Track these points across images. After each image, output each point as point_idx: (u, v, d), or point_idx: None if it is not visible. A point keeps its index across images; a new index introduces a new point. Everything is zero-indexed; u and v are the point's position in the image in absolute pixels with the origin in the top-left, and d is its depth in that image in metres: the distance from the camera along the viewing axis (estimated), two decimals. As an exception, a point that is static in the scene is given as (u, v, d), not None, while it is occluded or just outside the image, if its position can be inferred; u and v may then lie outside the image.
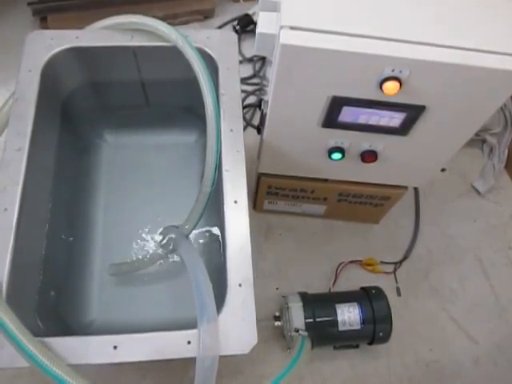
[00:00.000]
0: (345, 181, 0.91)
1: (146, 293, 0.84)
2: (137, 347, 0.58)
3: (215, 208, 0.78)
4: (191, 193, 0.92)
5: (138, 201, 0.93)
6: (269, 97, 0.69)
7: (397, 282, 1.07)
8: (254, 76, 1.28)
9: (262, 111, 0.74)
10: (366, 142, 0.76)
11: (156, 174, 0.96)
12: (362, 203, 1.00)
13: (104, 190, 0.92)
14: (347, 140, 0.76)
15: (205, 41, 0.80)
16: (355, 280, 1.05)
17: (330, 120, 0.70)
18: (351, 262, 1.06)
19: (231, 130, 0.73)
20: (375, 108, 0.67)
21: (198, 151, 0.98)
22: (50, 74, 0.77)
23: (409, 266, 1.09)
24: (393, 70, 0.60)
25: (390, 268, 1.08)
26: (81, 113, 0.90)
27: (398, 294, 1.06)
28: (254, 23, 1.34)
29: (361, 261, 1.07)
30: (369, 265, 1.07)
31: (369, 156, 0.78)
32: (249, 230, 0.66)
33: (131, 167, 0.96)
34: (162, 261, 0.85)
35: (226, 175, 0.69)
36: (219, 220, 0.79)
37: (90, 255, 0.87)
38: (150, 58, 0.82)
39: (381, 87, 0.62)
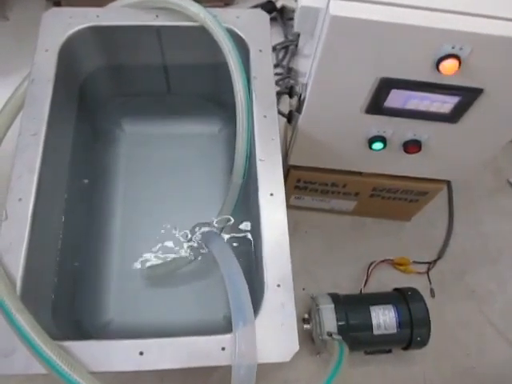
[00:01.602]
0: (380, 174, 0.85)
1: (168, 292, 0.77)
2: (166, 353, 0.52)
3: (244, 202, 0.73)
4: (214, 186, 0.87)
5: (158, 195, 0.87)
6: (309, 79, 0.63)
7: (430, 283, 1.00)
8: (277, 65, 1.22)
9: (300, 96, 0.67)
10: (411, 130, 0.70)
11: (177, 167, 0.90)
12: (395, 199, 0.93)
13: (122, 182, 0.86)
14: (390, 128, 0.69)
15: (234, 21, 0.74)
16: (386, 280, 0.99)
17: (376, 105, 0.64)
18: (382, 261, 0.99)
19: (265, 116, 0.67)
20: (427, 91, 0.61)
21: (222, 142, 0.92)
22: (68, 55, 0.71)
23: (443, 265, 1.03)
24: (453, 47, 0.53)
25: (423, 268, 1.01)
26: (98, 99, 0.85)
27: (432, 295, 0.99)
28: (277, 10, 1.28)
29: (392, 260, 1.00)
30: (400, 264, 1.00)
31: (412, 146, 0.72)
32: (287, 225, 0.60)
33: (150, 159, 0.90)
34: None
35: (260, 165, 0.63)
36: (249, 215, 0.73)
37: (108, 251, 0.81)
38: (175, 39, 0.76)
39: (437, 67, 0.56)
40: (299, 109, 0.68)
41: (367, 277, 0.97)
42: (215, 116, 0.92)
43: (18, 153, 0.62)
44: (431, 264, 1.02)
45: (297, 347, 0.54)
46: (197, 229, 0.75)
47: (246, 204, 0.72)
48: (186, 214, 0.83)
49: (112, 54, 0.78)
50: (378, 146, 0.71)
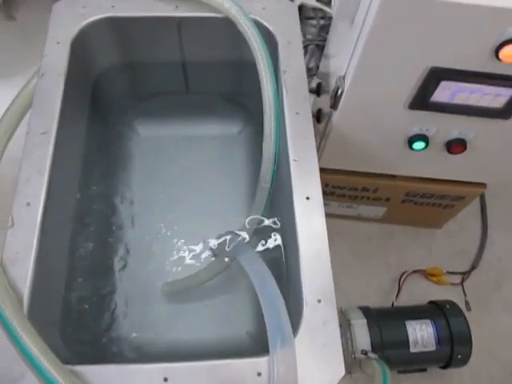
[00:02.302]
0: (415, 177, 0.79)
1: (187, 308, 0.70)
2: (193, 380, 0.46)
3: (272, 207, 0.66)
4: (236, 191, 0.80)
5: (175, 201, 0.80)
6: (348, 71, 0.57)
7: (465, 295, 0.93)
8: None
9: (336, 91, 0.61)
10: (457, 128, 0.63)
11: (194, 171, 0.84)
12: (429, 205, 0.87)
13: (136, 187, 0.80)
14: (434, 126, 0.63)
15: (260, 12, 0.68)
16: (419, 292, 0.92)
17: (421, 99, 0.58)
18: (414, 271, 0.93)
19: (297, 113, 0.60)
20: (481, 82, 0.54)
21: (242, 144, 0.86)
22: (81, 48, 0.66)
23: (478, 276, 0.96)
24: (517, 31, 0.47)
25: (457, 279, 0.95)
26: (112, 98, 0.79)
27: (468, 308, 0.93)
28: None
29: (424, 271, 0.93)
30: (433, 275, 0.94)
31: (457, 146, 0.65)
32: (326, 232, 0.54)
33: (166, 162, 0.83)
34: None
35: (294, 166, 0.57)
36: (280, 222, 0.66)
37: (121, 263, 0.74)
38: (196, 32, 0.70)
39: (496, 53, 0.50)
40: (335, 105, 0.62)
41: (399, 288, 0.90)
42: (235, 117, 0.86)
43: (25, 153, 0.56)
44: (465, 274, 0.95)
45: (342, 371, 0.48)
46: (220, 239, 0.69)
47: (275, 210, 0.65)
48: (206, 223, 0.77)
49: (128, 49, 0.72)
50: (419, 145, 0.65)
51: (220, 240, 0.69)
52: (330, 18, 1.28)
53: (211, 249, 0.70)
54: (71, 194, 0.63)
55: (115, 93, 0.79)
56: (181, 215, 0.77)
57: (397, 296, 0.89)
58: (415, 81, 0.55)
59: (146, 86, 0.80)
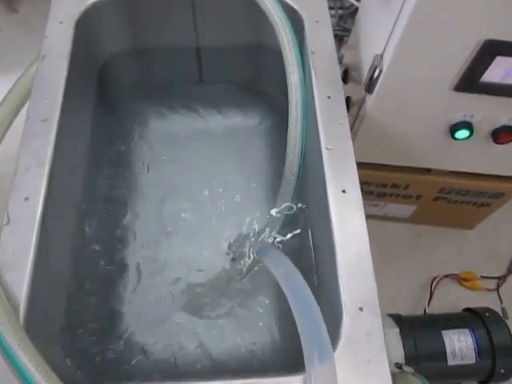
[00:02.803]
0: (452, 172, 0.72)
1: (203, 316, 0.64)
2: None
3: (300, 202, 0.60)
4: (255, 187, 0.74)
5: (188, 198, 0.73)
6: (387, 50, 0.50)
7: (501, 302, 0.86)
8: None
9: (373, 73, 0.55)
10: (505, 114, 0.56)
11: (209, 166, 0.77)
12: (463, 203, 0.80)
13: (146, 182, 0.73)
14: (481, 112, 0.56)
15: (283, -12, 0.62)
16: (451, 298, 0.85)
17: (470, 79, 0.51)
18: (446, 276, 0.85)
19: (329, 97, 0.54)
20: (542, 59, 0.47)
21: (262, 136, 0.79)
22: (87, 29, 0.60)
23: (515, 281, 0.88)
24: None
25: (493, 284, 0.87)
26: (120, 86, 0.73)
27: (505, 316, 0.85)
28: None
29: (457, 275, 0.86)
30: (466, 280, 0.86)
31: (504, 134, 0.58)
32: (366, 229, 0.47)
33: (179, 157, 0.77)
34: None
35: (327, 156, 0.50)
36: (309, 218, 0.60)
37: (131, 267, 0.67)
38: (212, 11, 0.64)
39: None
40: (370, 87, 0.56)
41: (431, 294, 0.83)
42: (253, 107, 0.80)
43: (24, 141, 0.49)
44: (501, 279, 0.88)
45: (390, 392, 0.41)
46: (240, 240, 0.62)
47: (303, 204, 0.59)
48: (223, 221, 0.70)
49: (137, 32, 0.66)
50: (462, 134, 0.58)
51: (240, 241, 0.62)
52: (348, 8, 1.22)
53: (231, 249, 0.63)
54: (75, 188, 0.56)
55: (124, 81, 0.73)
56: (195, 213, 0.71)
57: (429, 302, 0.82)
58: (465, 57, 0.48)
59: (156, 74, 0.74)
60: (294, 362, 0.52)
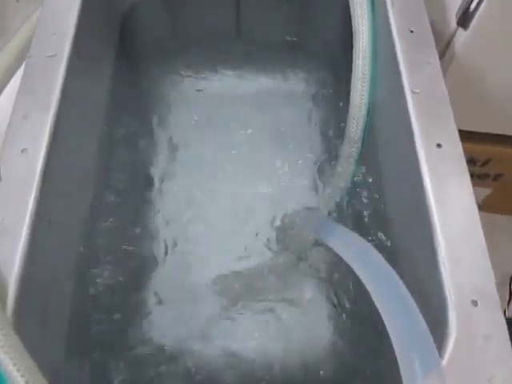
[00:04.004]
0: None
1: (247, 312, 0.51)
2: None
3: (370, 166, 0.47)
4: (301, 163, 0.61)
5: (223, 173, 0.61)
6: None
7: None
8: None
9: (469, 5, 0.42)
10: None
11: (245, 139, 0.65)
12: (552, 185, 0.66)
13: (174, 153, 0.61)
14: None
15: None
16: (532, 300, 0.71)
17: None
18: (526, 273, 0.72)
19: (411, 31, 0.42)
20: None
21: (309, 104, 0.67)
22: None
23: None
24: None
25: None
26: (145, 40, 0.62)
27: None
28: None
29: (539, 272, 0.72)
30: (550, 278, 0.72)
31: None
32: (474, 199, 0.35)
33: (211, 125, 0.64)
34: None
35: (413, 101, 0.38)
36: (384, 188, 0.47)
37: (155, 250, 0.56)
38: None
39: None
40: (464, 21, 0.43)
41: (510, 294, 0.69)
42: (300, 69, 0.68)
43: (24, 82, 0.39)
44: None
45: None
46: (293, 218, 0.50)
47: (373, 169, 0.46)
48: (264, 200, 0.58)
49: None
50: None
51: (291, 219, 0.50)
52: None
53: (280, 231, 0.51)
54: (88, 139, 0.45)
55: (149, 34, 0.62)
56: (232, 190, 0.59)
57: (508, 303, 0.69)
58: None
59: (187, 25, 0.63)
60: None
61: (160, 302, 0.48)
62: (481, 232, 0.34)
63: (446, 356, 0.30)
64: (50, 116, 0.37)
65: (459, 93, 0.49)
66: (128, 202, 0.49)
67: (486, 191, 0.71)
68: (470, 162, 0.63)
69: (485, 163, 0.63)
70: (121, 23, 0.56)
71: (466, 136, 0.54)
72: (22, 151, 0.35)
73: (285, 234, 0.51)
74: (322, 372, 0.46)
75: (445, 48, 0.46)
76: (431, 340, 0.29)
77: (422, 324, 0.29)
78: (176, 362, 0.44)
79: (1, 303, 0.30)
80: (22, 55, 0.48)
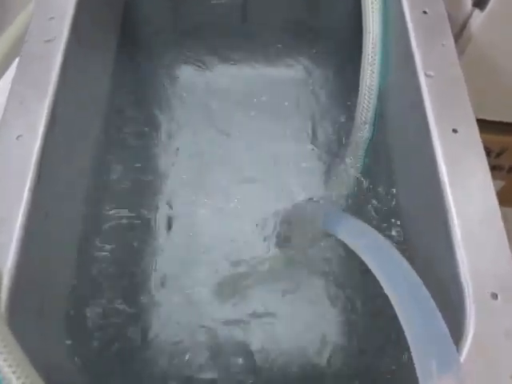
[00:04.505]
0: None
1: (248, 311, 0.50)
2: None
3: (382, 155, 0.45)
4: (307, 152, 0.59)
5: (226, 163, 0.59)
6: None
7: None
8: None
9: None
10: None
11: (250, 124, 0.62)
12: None
13: (177, 143, 0.59)
14: None
15: None
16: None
17: None
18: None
19: (424, 12, 0.40)
20: None
21: (314, 88, 0.65)
22: None
23: None
24: None
25: None
26: (148, 27, 0.60)
27: None
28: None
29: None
30: None
31: None
32: (492, 185, 0.33)
33: (214, 112, 0.62)
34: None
35: (427, 84, 0.36)
36: (398, 177, 0.45)
37: (156, 244, 0.54)
38: None
39: None
40: (480, 2, 0.41)
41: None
42: (305, 54, 0.66)
43: (21, 67, 0.38)
44: None
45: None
46: (294, 211, 0.48)
47: (386, 158, 0.44)
48: (268, 192, 0.56)
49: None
50: None
51: (293, 212, 0.48)
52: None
53: (282, 224, 0.49)
54: (87, 127, 0.43)
55: (152, 21, 0.60)
56: (234, 183, 0.57)
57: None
58: None
59: (191, 11, 0.61)
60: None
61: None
62: (500, 221, 0.32)
63: (464, 353, 0.28)
64: (47, 102, 0.35)
65: (474, 78, 0.47)
66: (130, 189, 0.48)
67: (499, 184, 0.69)
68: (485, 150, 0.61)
69: (499, 154, 0.61)
70: (123, 9, 0.54)
71: (479, 125, 0.52)
72: (17, 138, 0.34)
73: (288, 228, 0.49)
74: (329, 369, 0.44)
75: (460, 30, 0.44)
76: (449, 336, 0.27)
77: (439, 319, 0.28)
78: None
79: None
80: (20, 40, 0.46)
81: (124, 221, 0.46)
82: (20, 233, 0.31)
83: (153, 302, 0.45)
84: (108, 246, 0.44)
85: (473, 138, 0.34)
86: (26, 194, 0.32)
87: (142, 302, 0.44)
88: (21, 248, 0.31)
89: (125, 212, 0.46)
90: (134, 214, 0.48)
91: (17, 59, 0.39)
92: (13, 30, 0.49)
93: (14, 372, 0.24)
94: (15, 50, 0.48)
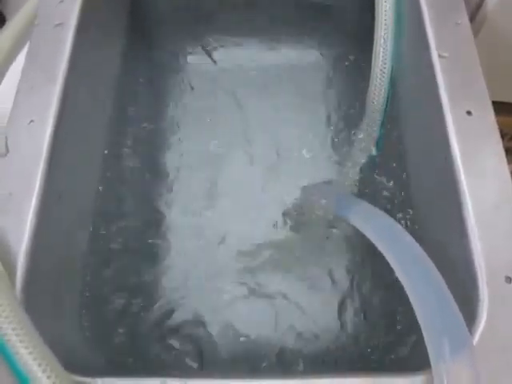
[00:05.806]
0: None
1: (259, 289, 0.50)
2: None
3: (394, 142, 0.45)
4: (319, 139, 0.59)
5: (238, 151, 0.58)
6: None
7: None
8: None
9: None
10: None
11: (261, 111, 0.62)
12: None
13: (187, 131, 0.59)
14: None
15: None
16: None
17: None
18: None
19: (438, -11, 0.39)
20: None
21: (329, 76, 0.64)
22: None
23: None
24: None
25: None
26: (158, 11, 0.59)
27: None
28: None
29: None
30: None
31: None
32: (507, 165, 0.32)
33: (224, 101, 0.62)
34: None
35: (441, 65, 0.36)
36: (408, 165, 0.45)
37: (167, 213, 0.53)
38: None
39: None
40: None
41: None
42: (321, 39, 0.65)
43: (31, 52, 0.38)
44: None
45: None
46: (305, 195, 0.48)
47: (398, 144, 0.44)
48: (280, 179, 0.55)
49: None
50: None
51: (304, 197, 0.48)
52: None
53: (293, 208, 0.49)
54: (98, 111, 0.43)
55: (162, 3, 0.59)
56: (246, 171, 0.57)
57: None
58: None
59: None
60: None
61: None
62: (515, 207, 0.31)
63: (477, 336, 0.28)
64: (58, 86, 0.36)
65: (490, 59, 0.46)
66: (141, 174, 0.48)
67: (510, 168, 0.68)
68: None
69: (513, 137, 0.60)
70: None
71: (494, 107, 0.51)
72: (30, 122, 0.34)
73: (299, 213, 0.49)
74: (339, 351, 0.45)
75: (476, 9, 0.43)
76: (462, 319, 0.27)
77: (452, 302, 0.27)
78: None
79: (7, 277, 0.29)
80: (31, 25, 0.46)
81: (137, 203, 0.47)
82: (34, 215, 0.31)
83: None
84: (121, 230, 0.44)
85: (487, 120, 0.34)
86: (39, 177, 0.32)
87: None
88: (35, 230, 0.31)
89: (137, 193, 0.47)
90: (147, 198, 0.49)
91: (27, 43, 0.39)
92: (23, 15, 0.49)
93: (30, 353, 0.25)
94: (26, 34, 0.48)
